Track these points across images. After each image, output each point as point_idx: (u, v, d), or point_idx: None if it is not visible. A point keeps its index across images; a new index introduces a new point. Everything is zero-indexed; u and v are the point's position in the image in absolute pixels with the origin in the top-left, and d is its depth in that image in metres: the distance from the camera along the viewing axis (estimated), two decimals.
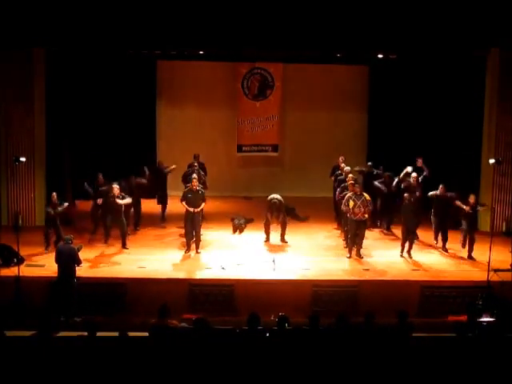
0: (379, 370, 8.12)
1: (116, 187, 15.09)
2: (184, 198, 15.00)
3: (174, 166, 17.69)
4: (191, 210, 14.84)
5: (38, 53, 16.62)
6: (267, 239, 16.04)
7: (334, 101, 20.52)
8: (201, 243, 15.29)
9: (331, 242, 16.25)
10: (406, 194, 15.10)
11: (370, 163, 17.80)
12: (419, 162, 16.59)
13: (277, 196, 15.76)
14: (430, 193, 15.44)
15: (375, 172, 17.28)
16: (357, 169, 17.32)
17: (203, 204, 15.17)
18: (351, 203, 14.65)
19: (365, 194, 14.85)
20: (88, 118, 19.08)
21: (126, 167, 18.28)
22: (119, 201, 14.99)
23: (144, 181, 16.74)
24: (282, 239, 16.01)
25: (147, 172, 17.00)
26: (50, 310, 12.58)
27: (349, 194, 14.84)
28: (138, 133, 19.75)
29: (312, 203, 18.98)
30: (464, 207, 14.85)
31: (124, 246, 15.21)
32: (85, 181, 16.02)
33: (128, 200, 15.29)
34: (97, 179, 15.99)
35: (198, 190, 15.04)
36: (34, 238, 15.24)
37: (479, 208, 15.32)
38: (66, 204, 15.28)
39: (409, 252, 14.99)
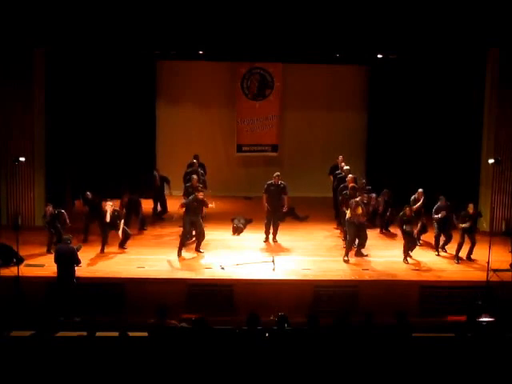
0: (378, 370, 8.12)
1: (109, 204, 14.91)
2: (186, 194, 15.30)
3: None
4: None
5: (38, 53, 16.61)
6: (266, 239, 16.03)
7: (334, 101, 20.51)
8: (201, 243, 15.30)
9: (331, 242, 16.25)
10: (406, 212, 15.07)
11: (363, 180, 17.22)
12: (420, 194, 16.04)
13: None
14: (435, 216, 15.19)
15: (368, 190, 16.75)
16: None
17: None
18: (359, 210, 14.54)
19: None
20: (87, 118, 19.09)
21: (125, 167, 18.33)
22: (119, 232, 14.97)
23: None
24: (274, 238, 16.02)
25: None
26: (49, 309, 12.57)
27: (357, 200, 14.68)
28: (137, 133, 19.75)
29: (312, 203, 19.00)
30: (460, 225, 14.76)
31: (103, 250, 15.10)
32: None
33: (121, 225, 15.06)
34: (84, 196, 15.89)
35: (198, 186, 15.33)
36: (34, 238, 15.27)
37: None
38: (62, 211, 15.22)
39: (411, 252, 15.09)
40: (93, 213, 15.53)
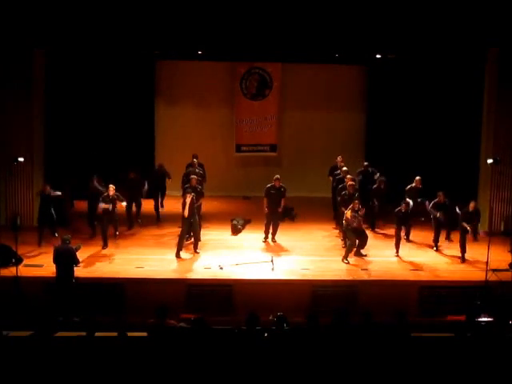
0: (377, 370, 8.12)
1: (112, 187, 15.11)
2: (185, 194, 15.13)
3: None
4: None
5: (37, 53, 16.61)
6: (266, 239, 16.04)
7: (333, 101, 20.51)
8: (199, 243, 15.28)
9: (330, 242, 16.25)
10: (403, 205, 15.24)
11: (366, 163, 17.85)
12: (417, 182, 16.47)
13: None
14: (430, 207, 15.48)
15: (370, 170, 17.36)
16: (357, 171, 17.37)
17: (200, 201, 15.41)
18: (356, 222, 14.66)
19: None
20: (87, 118, 19.07)
21: (124, 167, 18.30)
22: (122, 203, 15.30)
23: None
24: (273, 238, 16.06)
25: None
26: (48, 309, 12.56)
27: (351, 207, 14.74)
28: (136, 132, 19.75)
29: (310, 203, 18.99)
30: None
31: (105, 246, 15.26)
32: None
33: (124, 203, 15.47)
34: (91, 181, 16.01)
35: (196, 187, 15.28)
36: (33, 238, 15.25)
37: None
38: (59, 193, 15.49)
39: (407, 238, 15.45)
40: (91, 202, 15.75)
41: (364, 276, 14.01)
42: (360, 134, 20.57)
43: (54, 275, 12.81)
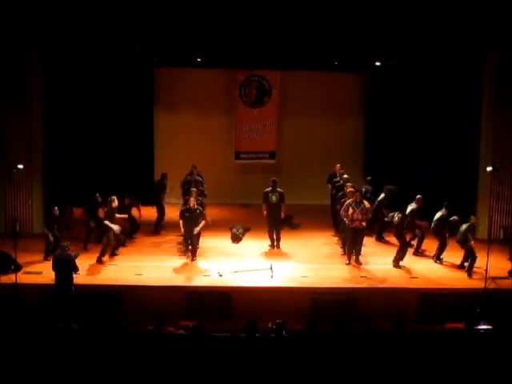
0: (376, 377, 8.11)
1: (114, 199, 15.01)
2: (181, 217, 14.99)
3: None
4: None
5: (35, 60, 16.62)
6: (272, 245, 16.14)
7: (332, 108, 20.57)
8: (198, 250, 15.26)
9: (329, 250, 16.26)
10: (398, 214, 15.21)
11: (369, 178, 17.76)
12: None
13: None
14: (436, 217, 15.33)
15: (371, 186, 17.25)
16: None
17: (203, 222, 15.05)
18: (350, 210, 14.68)
19: (364, 202, 14.91)
20: (86, 126, 19.09)
21: (123, 174, 18.34)
22: (110, 225, 14.91)
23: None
24: (277, 245, 16.10)
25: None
26: (47, 316, 12.54)
27: (349, 201, 14.84)
28: (135, 139, 19.80)
29: (309, 210, 18.99)
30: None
31: (100, 259, 14.94)
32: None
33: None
34: (94, 199, 15.90)
35: (197, 209, 14.96)
36: (32, 245, 15.24)
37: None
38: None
39: (402, 258, 15.11)
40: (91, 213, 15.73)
41: (363, 283, 14.00)
42: (359, 141, 20.64)
43: (53, 282, 12.79)
